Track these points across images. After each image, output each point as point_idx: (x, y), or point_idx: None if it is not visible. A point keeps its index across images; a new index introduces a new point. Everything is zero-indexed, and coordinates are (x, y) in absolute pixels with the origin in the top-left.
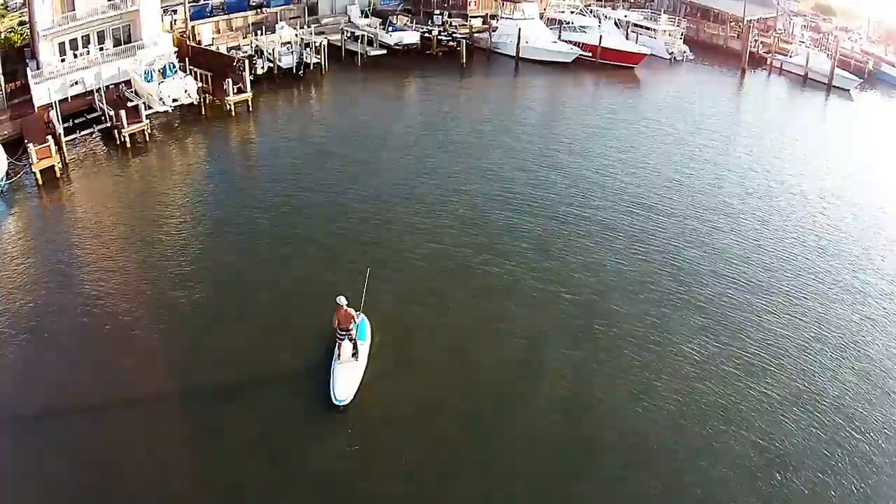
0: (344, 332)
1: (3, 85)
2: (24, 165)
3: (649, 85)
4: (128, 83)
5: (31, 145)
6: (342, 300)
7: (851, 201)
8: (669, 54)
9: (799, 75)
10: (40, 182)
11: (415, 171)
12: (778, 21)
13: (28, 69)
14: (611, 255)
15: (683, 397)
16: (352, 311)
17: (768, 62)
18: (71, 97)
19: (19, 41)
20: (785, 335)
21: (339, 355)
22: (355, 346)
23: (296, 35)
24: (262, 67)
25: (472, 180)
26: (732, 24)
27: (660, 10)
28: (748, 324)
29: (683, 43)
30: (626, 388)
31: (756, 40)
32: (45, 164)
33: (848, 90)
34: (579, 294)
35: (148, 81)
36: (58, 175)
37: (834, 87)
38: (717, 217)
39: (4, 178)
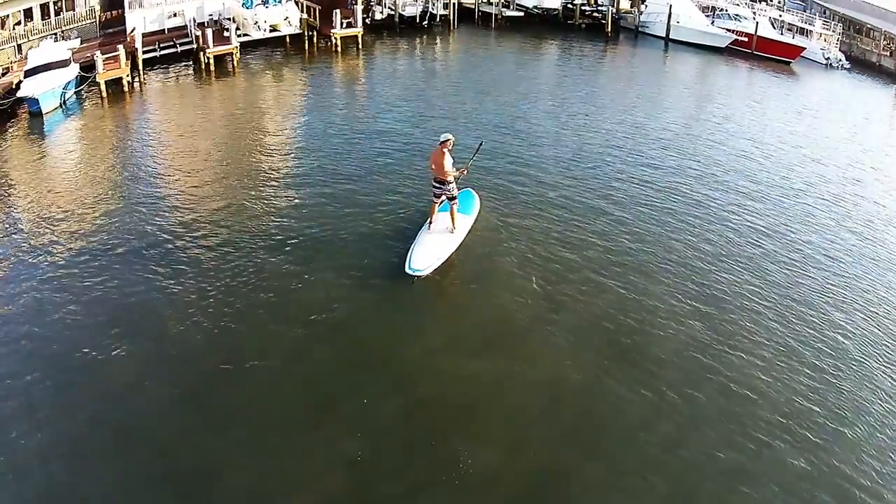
0: (439, 187)
1: (97, 13)
2: (92, 76)
3: (807, 82)
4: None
5: (97, 53)
6: (442, 136)
7: None
8: (826, 59)
9: None
10: (104, 94)
11: (543, 134)
12: None
13: None
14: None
15: None
16: (446, 156)
17: None
18: (168, 29)
19: None
20: None
21: (430, 222)
22: (453, 215)
23: None
24: (382, 13)
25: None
26: (886, 42)
27: (814, 16)
28: None
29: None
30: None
31: None
32: (112, 75)
33: None
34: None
35: (247, 8)
36: (125, 89)
37: None
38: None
39: (73, 88)
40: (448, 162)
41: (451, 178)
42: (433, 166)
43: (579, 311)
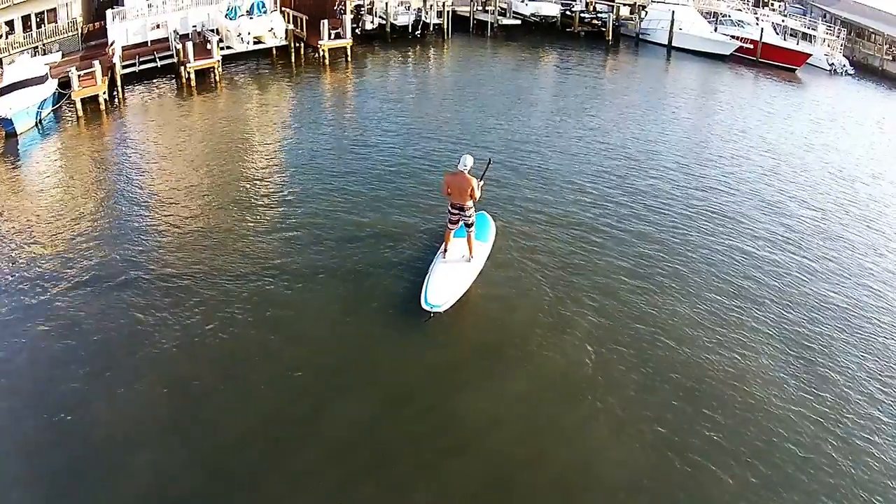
0: (457, 212)
1: (79, 26)
2: (68, 94)
3: (815, 90)
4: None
5: (73, 69)
6: (467, 161)
7: None
8: (830, 65)
9: None
10: (80, 113)
11: (550, 150)
12: None
13: (109, 10)
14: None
15: None
16: (474, 181)
17: None
18: (151, 41)
19: None
20: None
21: (444, 250)
22: (471, 242)
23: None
24: (373, 23)
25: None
26: (888, 46)
27: (816, 20)
28: None
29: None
30: None
31: None
32: (88, 92)
33: None
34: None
35: (230, 19)
36: (102, 107)
37: None
38: None
39: (50, 105)
40: (474, 186)
41: (471, 203)
42: (450, 191)
43: (622, 359)
